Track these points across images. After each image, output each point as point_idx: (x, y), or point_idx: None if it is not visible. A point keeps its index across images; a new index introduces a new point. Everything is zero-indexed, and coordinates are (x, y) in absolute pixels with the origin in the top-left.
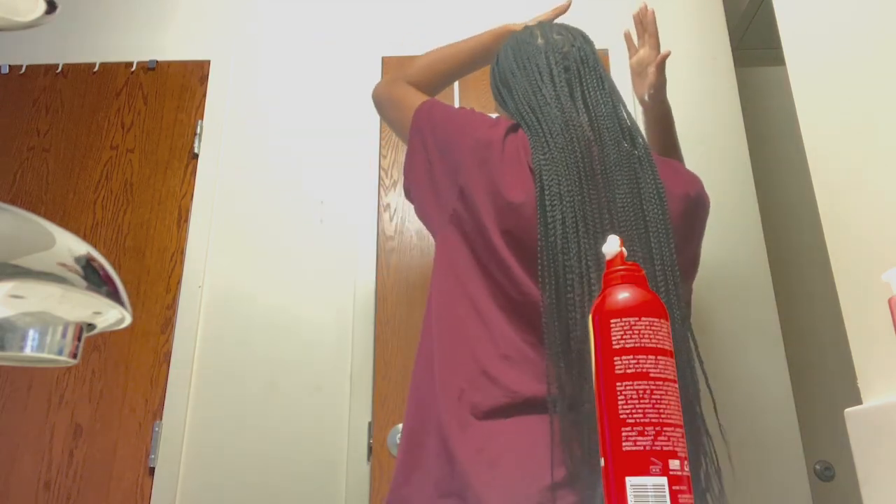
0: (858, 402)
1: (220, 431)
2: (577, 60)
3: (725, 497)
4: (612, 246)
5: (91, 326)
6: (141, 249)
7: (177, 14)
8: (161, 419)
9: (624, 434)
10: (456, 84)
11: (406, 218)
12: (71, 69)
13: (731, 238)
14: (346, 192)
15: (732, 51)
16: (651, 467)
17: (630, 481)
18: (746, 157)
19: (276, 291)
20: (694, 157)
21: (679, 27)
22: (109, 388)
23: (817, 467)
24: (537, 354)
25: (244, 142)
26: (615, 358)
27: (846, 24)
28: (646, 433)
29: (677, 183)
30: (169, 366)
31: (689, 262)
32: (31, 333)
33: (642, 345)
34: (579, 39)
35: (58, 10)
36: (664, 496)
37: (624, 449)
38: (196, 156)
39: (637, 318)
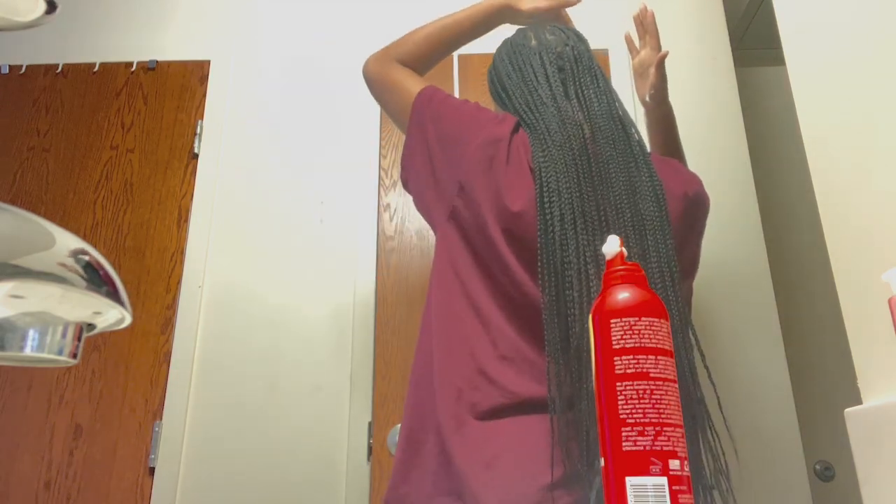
0: (858, 402)
1: (220, 431)
2: (571, 59)
3: (734, 495)
4: (612, 246)
5: (91, 326)
6: (141, 249)
7: (177, 14)
8: (161, 419)
9: (624, 434)
10: (456, 85)
11: (406, 218)
12: (71, 69)
13: (731, 238)
14: (346, 192)
15: (732, 51)
16: (651, 467)
17: (630, 481)
18: (746, 157)
19: (276, 291)
20: (694, 157)
21: (679, 27)
22: (109, 388)
23: (817, 467)
24: (536, 355)
25: (244, 142)
26: (615, 358)
27: (846, 24)
28: (646, 433)
29: (677, 182)
30: (169, 366)
31: (688, 261)
32: (31, 333)
33: (642, 345)
34: (573, 39)
35: (58, 10)
36: (664, 496)
37: (624, 449)
38: (196, 156)
39: (637, 318)
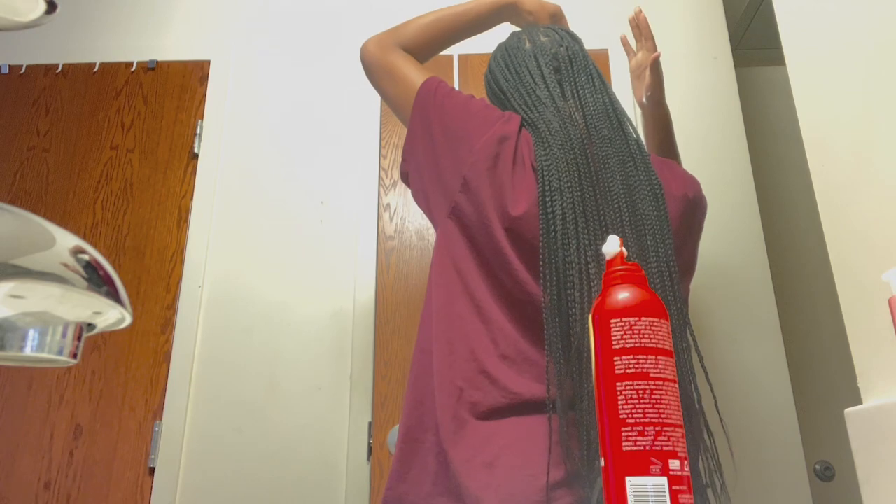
0: (858, 402)
1: (220, 431)
2: (566, 60)
3: (728, 493)
4: (612, 246)
5: (91, 326)
6: (141, 249)
7: (177, 14)
8: (161, 419)
9: (624, 434)
10: (456, 85)
11: (406, 218)
12: (71, 69)
13: (731, 238)
14: (346, 192)
15: (732, 51)
16: (651, 467)
17: (630, 481)
18: (746, 157)
19: (276, 291)
20: (694, 156)
21: (679, 27)
22: (109, 388)
23: (817, 467)
24: (537, 355)
25: (244, 142)
26: (615, 358)
27: (846, 24)
28: (646, 433)
29: (676, 184)
30: (169, 366)
31: (685, 263)
32: (31, 333)
33: (642, 345)
34: (567, 39)
35: (58, 10)
36: (664, 496)
37: (624, 449)
38: (196, 156)
39: (637, 318)
